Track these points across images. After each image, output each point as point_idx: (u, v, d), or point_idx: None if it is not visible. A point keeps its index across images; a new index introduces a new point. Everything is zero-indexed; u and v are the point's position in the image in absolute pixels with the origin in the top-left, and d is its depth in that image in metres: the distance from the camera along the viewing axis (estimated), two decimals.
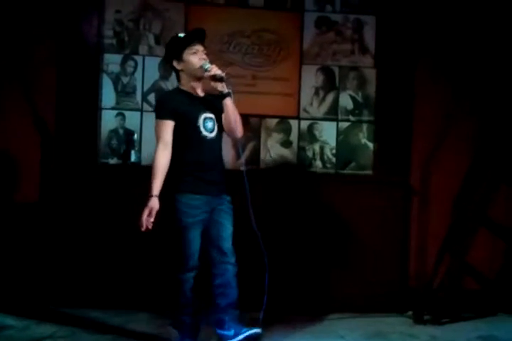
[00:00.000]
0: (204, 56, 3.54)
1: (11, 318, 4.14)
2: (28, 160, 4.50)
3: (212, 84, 3.53)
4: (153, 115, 4.57)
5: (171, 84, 4.72)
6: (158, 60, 4.73)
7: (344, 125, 4.91)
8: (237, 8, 4.81)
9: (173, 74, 4.59)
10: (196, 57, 3.52)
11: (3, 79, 4.52)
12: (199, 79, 3.57)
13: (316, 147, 4.88)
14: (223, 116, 3.60)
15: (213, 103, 3.60)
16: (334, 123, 4.90)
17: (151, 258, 4.50)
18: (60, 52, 4.58)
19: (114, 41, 4.72)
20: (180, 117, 3.49)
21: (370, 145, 4.91)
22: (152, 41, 4.74)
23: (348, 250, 4.71)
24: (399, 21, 4.88)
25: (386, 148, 4.88)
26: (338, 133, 4.90)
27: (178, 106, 3.50)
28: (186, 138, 3.51)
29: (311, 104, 4.87)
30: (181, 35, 3.62)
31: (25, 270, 4.43)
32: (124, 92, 4.72)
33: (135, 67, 4.73)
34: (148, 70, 4.73)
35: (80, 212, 4.53)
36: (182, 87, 3.61)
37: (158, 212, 3.46)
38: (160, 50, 4.72)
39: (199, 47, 3.55)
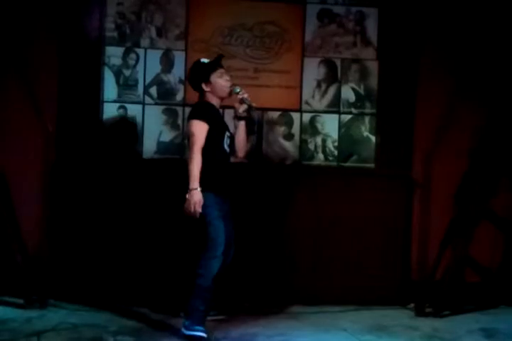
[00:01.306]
0: (228, 77, 3.96)
1: (13, 311, 4.16)
2: (30, 154, 4.49)
3: (237, 105, 3.99)
4: (154, 107, 4.71)
5: (172, 76, 4.73)
6: (159, 52, 4.72)
7: (346, 118, 4.90)
8: (238, 1, 4.79)
9: (175, 67, 4.71)
10: (223, 79, 3.94)
11: (4, 72, 4.50)
12: (222, 98, 3.97)
13: (318, 140, 4.87)
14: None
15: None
16: (336, 116, 4.90)
17: (154, 252, 4.51)
18: (61, 45, 4.57)
19: (115, 34, 4.70)
20: (215, 127, 3.85)
21: (372, 138, 4.90)
22: (154, 34, 4.72)
23: (349, 243, 4.71)
24: (401, 13, 4.87)
25: (388, 140, 4.88)
26: (340, 125, 4.90)
27: (215, 117, 3.90)
28: (216, 146, 3.87)
29: (313, 96, 4.86)
30: (205, 60, 3.98)
31: (25, 260, 4.43)
32: (125, 85, 4.71)
33: (137, 60, 4.72)
34: (149, 63, 4.72)
35: (82, 206, 4.53)
36: (211, 102, 3.95)
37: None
38: (162, 43, 4.73)
39: (222, 70, 3.97)
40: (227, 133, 3.97)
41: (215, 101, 3.94)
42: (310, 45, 4.85)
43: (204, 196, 3.73)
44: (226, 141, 3.94)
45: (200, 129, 3.79)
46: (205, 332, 3.68)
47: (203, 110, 3.88)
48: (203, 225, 3.77)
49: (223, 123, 3.99)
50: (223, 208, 3.89)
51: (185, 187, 3.68)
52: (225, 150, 3.95)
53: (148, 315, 4.21)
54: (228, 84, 3.95)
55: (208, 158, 3.80)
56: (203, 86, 3.91)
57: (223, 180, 3.91)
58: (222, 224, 3.81)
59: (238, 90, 3.94)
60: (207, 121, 3.80)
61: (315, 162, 4.87)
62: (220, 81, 3.92)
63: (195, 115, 3.84)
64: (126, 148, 4.67)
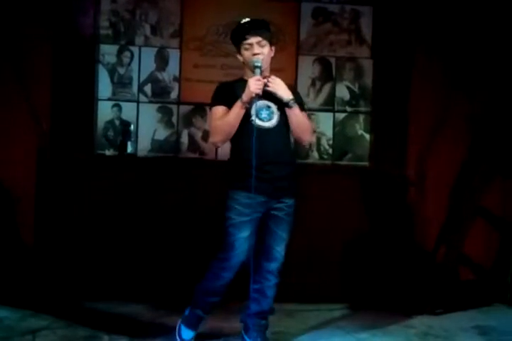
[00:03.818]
0: (257, 51, 3.27)
1: (6, 309, 4.13)
2: (24, 151, 4.47)
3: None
4: (149, 106, 4.70)
5: (167, 74, 4.72)
6: (154, 50, 4.72)
7: (341, 116, 4.91)
8: None
9: (169, 65, 4.71)
10: (249, 52, 3.29)
11: None
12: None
13: (313, 138, 4.87)
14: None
15: None
16: (331, 114, 4.90)
17: (147, 249, 4.51)
18: (55, 43, 4.54)
19: (110, 32, 4.69)
20: (233, 104, 3.24)
21: (367, 136, 4.91)
22: (148, 31, 4.71)
23: (344, 241, 4.71)
24: (396, 11, 4.87)
25: (382, 139, 4.89)
26: (335, 124, 4.90)
27: (232, 94, 3.28)
28: (239, 129, 3.27)
29: (308, 94, 4.86)
30: (243, 21, 3.35)
31: (20, 261, 4.42)
32: (120, 83, 4.70)
33: (131, 58, 4.71)
34: (144, 61, 4.71)
35: (76, 203, 4.52)
36: (244, 77, 3.40)
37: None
38: (156, 41, 4.71)
39: (254, 40, 3.29)
40: (260, 103, 3.25)
41: (248, 74, 3.35)
42: (305, 43, 4.85)
43: (231, 196, 3.28)
44: (258, 113, 3.27)
45: (214, 116, 3.31)
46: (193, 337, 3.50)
47: (216, 93, 3.39)
48: (222, 229, 3.33)
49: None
50: (261, 210, 3.29)
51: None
52: (257, 125, 3.24)
53: (144, 314, 4.20)
54: (252, 58, 3.26)
55: (234, 144, 3.35)
56: (239, 57, 3.38)
57: (262, 171, 3.21)
58: (247, 233, 3.26)
59: (258, 64, 3.24)
60: (220, 103, 3.31)
61: (309, 160, 4.87)
62: (247, 54, 3.30)
63: (211, 102, 3.38)
64: (121, 146, 4.65)
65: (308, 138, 3.49)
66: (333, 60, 4.89)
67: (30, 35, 4.49)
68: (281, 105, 3.32)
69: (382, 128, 4.89)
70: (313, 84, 4.87)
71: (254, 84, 3.18)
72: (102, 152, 4.67)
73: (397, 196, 4.78)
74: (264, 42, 3.32)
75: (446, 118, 4.78)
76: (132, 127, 4.69)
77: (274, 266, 3.44)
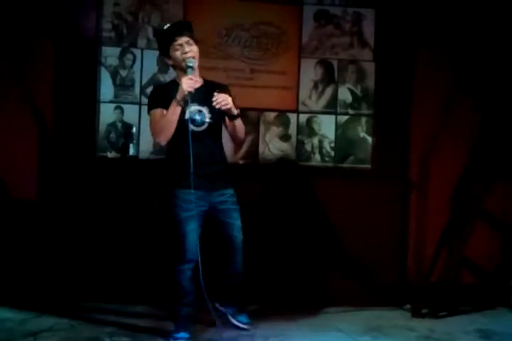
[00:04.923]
0: (187, 49, 3.54)
1: (9, 311, 4.15)
2: (26, 154, 4.48)
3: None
4: None
5: (169, 77, 4.71)
6: (156, 53, 4.66)
7: (343, 118, 4.90)
8: (236, 1, 4.78)
9: (172, 68, 4.69)
10: (179, 52, 3.55)
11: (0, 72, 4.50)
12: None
13: (315, 140, 4.87)
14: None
15: (207, 94, 3.55)
16: (333, 117, 4.90)
17: (149, 251, 4.51)
18: (58, 45, 4.56)
19: (112, 34, 4.70)
20: (168, 105, 3.49)
21: (369, 138, 4.90)
22: (151, 34, 4.71)
23: (346, 244, 4.70)
24: (398, 14, 4.87)
25: (385, 141, 4.88)
26: (337, 126, 4.90)
27: (166, 96, 3.52)
28: (176, 134, 3.52)
29: (310, 97, 4.86)
30: (165, 27, 3.65)
31: (22, 263, 4.42)
32: (122, 85, 4.71)
33: (133, 60, 4.71)
34: (146, 63, 4.71)
35: (77, 206, 4.52)
36: (176, 80, 3.65)
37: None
38: None
39: (183, 39, 3.56)
40: (192, 108, 3.55)
41: (179, 76, 3.60)
42: (307, 46, 4.85)
43: (174, 193, 3.57)
44: (192, 118, 3.55)
45: (154, 120, 3.55)
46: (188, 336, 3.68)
47: (152, 97, 3.64)
48: (168, 226, 3.63)
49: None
50: (204, 204, 3.58)
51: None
52: (191, 129, 3.49)
53: (145, 315, 4.21)
54: (184, 57, 3.53)
55: (171, 150, 3.62)
56: (167, 60, 3.67)
57: (194, 170, 3.49)
58: (193, 226, 3.55)
59: (191, 64, 3.51)
60: (158, 106, 3.53)
61: (312, 163, 4.87)
62: (177, 54, 3.55)
63: (148, 107, 3.62)
64: (122, 148, 4.66)
65: (243, 136, 3.82)
66: (335, 63, 4.89)
67: (33, 37, 4.51)
68: (212, 107, 3.53)
69: (385, 131, 4.88)
70: (315, 86, 4.87)
71: (186, 83, 3.43)
72: (104, 154, 4.67)
73: (399, 199, 4.77)
74: (192, 41, 3.59)
75: (448, 120, 4.78)
76: (134, 129, 4.69)
77: (237, 247, 3.75)
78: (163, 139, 3.54)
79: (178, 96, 3.45)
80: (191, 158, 3.46)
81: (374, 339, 3.92)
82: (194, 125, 3.56)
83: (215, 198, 3.65)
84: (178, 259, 3.60)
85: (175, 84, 3.57)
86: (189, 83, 3.44)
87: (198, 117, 3.58)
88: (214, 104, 3.47)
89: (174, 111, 3.47)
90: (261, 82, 4.80)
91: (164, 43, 3.61)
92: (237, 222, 3.73)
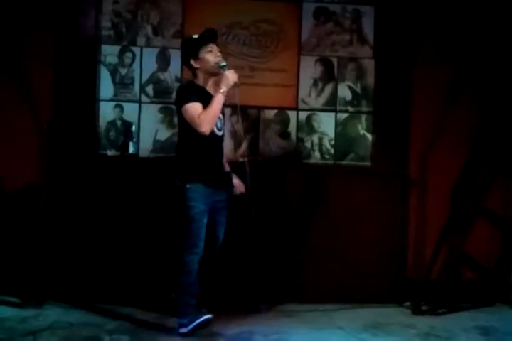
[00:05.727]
0: (219, 54, 3.85)
1: (9, 310, 4.16)
2: (26, 152, 4.48)
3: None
4: (151, 106, 4.70)
5: (169, 75, 4.72)
6: (156, 51, 4.72)
7: (343, 116, 4.90)
8: None
9: (171, 66, 4.70)
10: (212, 55, 3.82)
11: None
12: (213, 76, 3.85)
13: (315, 138, 4.87)
14: None
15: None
16: (333, 114, 4.90)
17: (149, 248, 4.51)
18: (57, 44, 4.56)
19: (111, 32, 4.70)
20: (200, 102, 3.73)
21: (369, 136, 4.90)
22: (150, 32, 4.72)
23: (346, 241, 4.71)
24: (397, 11, 4.86)
25: (384, 139, 4.88)
26: (337, 124, 4.90)
27: (198, 94, 3.77)
28: (199, 136, 3.71)
29: (310, 95, 4.86)
30: (195, 36, 3.88)
31: (22, 262, 4.42)
32: (122, 84, 4.71)
33: (133, 59, 4.72)
34: (146, 61, 4.72)
35: (77, 203, 4.53)
36: (197, 82, 3.86)
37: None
38: (158, 41, 4.72)
39: (213, 46, 3.86)
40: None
41: (202, 79, 3.85)
42: (306, 43, 4.85)
43: (190, 188, 3.72)
44: (216, 125, 3.81)
45: (193, 110, 3.70)
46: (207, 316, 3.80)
47: (188, 91, 3.81)
48: (185, 220, 3.74)
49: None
50: (211, 201, 3.79)
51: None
52: (214, 133, 3.79)
53: (144, 314, 4.22)
54: (217, 59, 3.82)
55: (194, 147, 3.77)
56: (192, 62, 3.84)
57: (213, 168, 3.82)
58: (206, 219, 3.76)
59: (223, 64, 3.81)
60: (197, 100, 3.72)
61: (311, 160, 4.87)
62: (209, 56, 3.82)
63: (182, 100, 3.76)
64: (122, 146, 4.66)
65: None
66: (334, 60, 4.88)
67: (32, 36, 4.51)
68: (223, 118, 3.90)
69: (384, 128, 4.88)
70: (315, 84, 4.87)
71: (231, 75, 3.76)
72: (104, 152, 4.68)
73: (399, 196, 4.77)
74: (216, 47, 3.90)
75: (448, 118, 4.77)
76: (134, 128, 4.70)
77: (219, 245, 3.96)
78: (209, 129, 3.71)
79: (225, 87, 3.74)
80: (213, 159, 3.82)
81: (374, 336, 3.93)
82: (217, 130, 3.84)
83: (218, 195, 3.85)
84: (192, 250, 3.72)
85: (198, 87, 3.82)
86: (234, 75, 3.76)
87: (219, 123, 3.85)
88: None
89: (221, 102, 3.74)
90: (261, 79, 4.80)
91: (196, 46, 3.83)
92: (224, 223, 3.94)
